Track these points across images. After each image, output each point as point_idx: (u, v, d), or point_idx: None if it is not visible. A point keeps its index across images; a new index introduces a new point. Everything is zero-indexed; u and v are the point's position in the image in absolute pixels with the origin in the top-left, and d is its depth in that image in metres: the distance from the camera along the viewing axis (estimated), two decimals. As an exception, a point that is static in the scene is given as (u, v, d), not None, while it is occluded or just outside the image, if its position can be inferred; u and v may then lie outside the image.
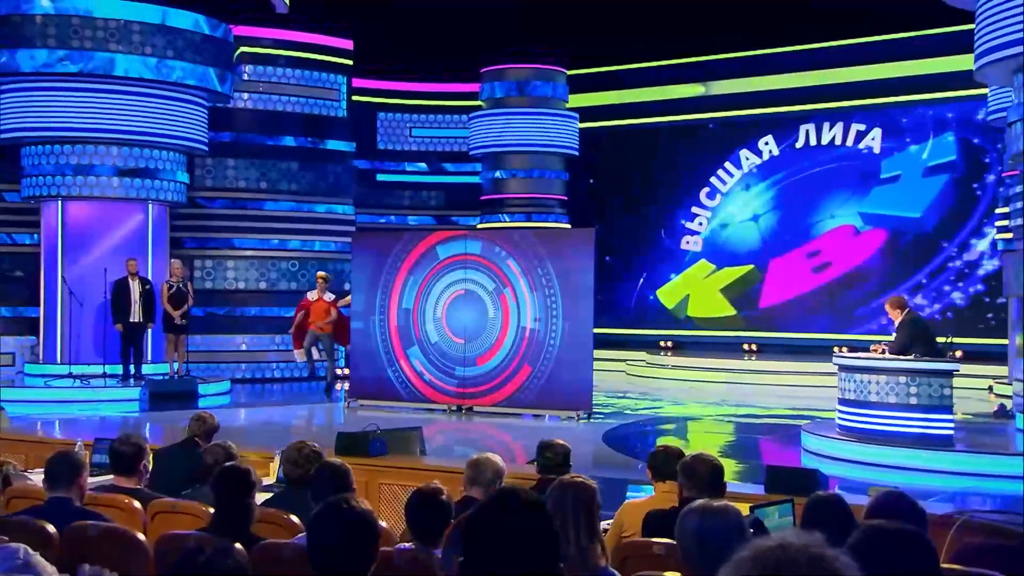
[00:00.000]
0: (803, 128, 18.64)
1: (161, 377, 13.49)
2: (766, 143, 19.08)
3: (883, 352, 8.78)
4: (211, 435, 5.56)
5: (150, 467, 4.64)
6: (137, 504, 4.49)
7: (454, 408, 11.87)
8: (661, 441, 10.54)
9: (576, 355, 11.28)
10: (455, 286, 11.96)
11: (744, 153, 19.32)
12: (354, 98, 17.34)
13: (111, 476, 6.03)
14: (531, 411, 11.52)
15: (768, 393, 15.05)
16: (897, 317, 8.87)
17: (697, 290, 19.76)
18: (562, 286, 11.38)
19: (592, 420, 11.24)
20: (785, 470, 6.32)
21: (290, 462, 4.31)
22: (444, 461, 7.98)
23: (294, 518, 4.18)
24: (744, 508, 4.28)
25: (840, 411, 9.00)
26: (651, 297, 20.03)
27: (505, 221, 19.17)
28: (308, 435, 10.51)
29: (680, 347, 19.07)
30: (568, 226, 19.41)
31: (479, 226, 19.44)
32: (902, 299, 9.02)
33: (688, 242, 19.88)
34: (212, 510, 4.15)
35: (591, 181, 20.72)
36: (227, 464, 3.93)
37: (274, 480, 6.25)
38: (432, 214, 20.14)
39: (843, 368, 8.87)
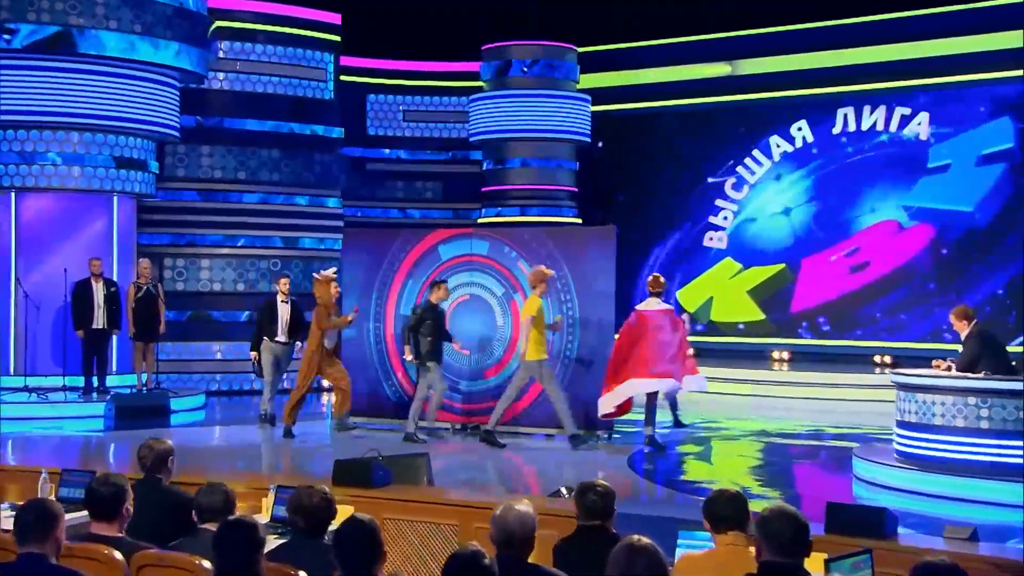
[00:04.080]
0: (841, 112, 18.57)
1: (128, 390, 13.33)
2: (799, 129, 19.01)
3: (948, 369, 8.58)
4: (166, 461, 5.29)
5: (132, 510, 4.43)
6: (119, 555, 4.27)
7: (458, 427, 11.73)
8: (692, 465, 10.53)
9: (595, 367, 11.13)
10: (460, 290, 11.83)
11: (775, 140, 19.26)
12: (341, 78, 17.25)
13: (84, 514, 5.86)
14: (544, 430, 11.36)
15: (801, 408, 14.94)
16: (963, 329, 8.69)
17: (721, 292, 19.67)
18: (579, 291, 11.27)
19: (612, 440, 11.05)
20: (849, 508, 6.12)
21: (300, 511, 4.10)
22: (456, 492, 7.76)
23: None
24: (817, 562, 4.08)
25: (899, 435, 8.82)
26: (670, 299, 19.87)
27: (508, 215, 19.14)
28: (297, 459, 10.41)
29: (702, 355, 18.85)
30: (578, 220, 19.43)
31: (480, 220, 19.44)
32: (968, 309, 8.84)
33: (711, 239, 19.86)
34: (208, 565, 3.95)
35: (603, 171, 20.67)
36: (232, 519, 3.72)
37: (268, 519, 6.02)
38: (427, 207, 20.15)
39: (903, 387, 8.69)
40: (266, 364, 12.07)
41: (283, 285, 12.26)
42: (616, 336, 10.99)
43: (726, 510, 4.26)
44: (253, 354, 12.15)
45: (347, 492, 7.00)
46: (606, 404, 10.58)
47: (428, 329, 10.90)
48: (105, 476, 4.42)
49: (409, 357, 11.15)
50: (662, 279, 10.99)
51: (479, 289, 11.79)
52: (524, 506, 4.00)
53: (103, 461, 10.76)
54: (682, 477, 9.82)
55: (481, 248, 11.78)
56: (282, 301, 12.08)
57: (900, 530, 5.94)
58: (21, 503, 6.26)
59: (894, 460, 8.80)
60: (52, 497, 6.39)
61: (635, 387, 10.43)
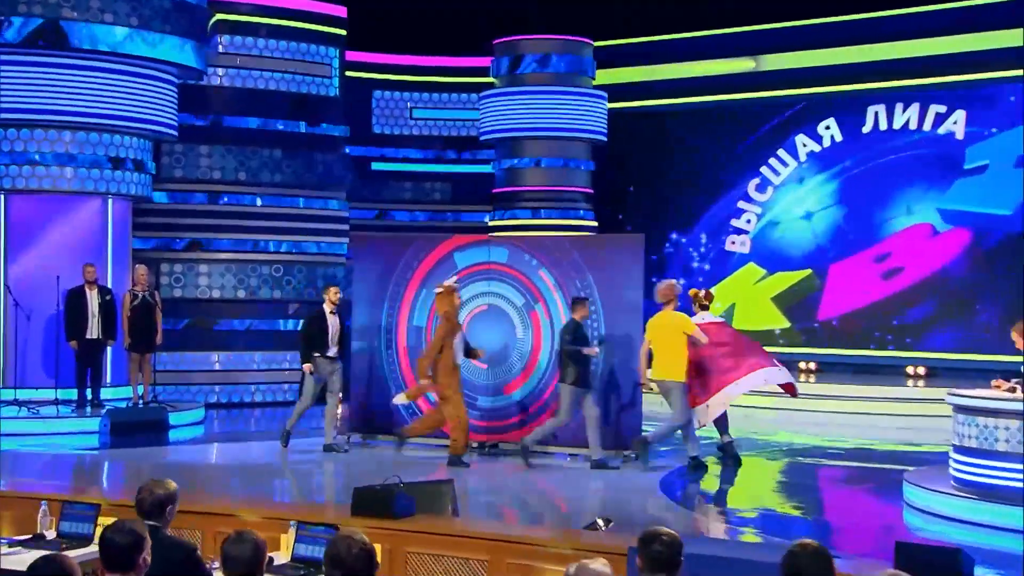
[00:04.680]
0: (871, 109, 18.45)
1: (125, 404, 13.22)
2: (827, 127, 18.90)
3: (1012, 389, 8.29)
4: (164, 508, 4.91)
5: (149, 560, 4.13)
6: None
7: (475, 445, 11.51)
8: (734, 493, 10.25)
9: (623, 383, 10.97)
10: (477, 300, 11.66)
11: (801, 139, 19.13)
12: (347, 74, 17.11)
13: (90, 550, 5.60)
14: (568, 450, 11.16)
15: (830, 423, 14.79)
16: (1025, 346, 8.40)
17: (744, 298, 19.54)
18: (605, 301, 11.07)
19: (642, 460, 10.74)
20: (921, 549, 5.83)
21: (338, 565, 3.81)
22: (485, 524, 7.49)
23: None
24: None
25: (956, 460, 8.55)
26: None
27: (521, 218, 19.08)
28: (310, 483, 10.16)
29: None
30: (594, 223, 19.43)
31: (491, 223, 19.41)
32: (1031, 324, 8.54)
33: (734, 242, 19.76)
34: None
35: (621, 171, 20.54)
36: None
37: (289, 558, 5.75)
38: (436, 209, 20.13)
39: (962, 409, 8.41)
40: (310, 380, 11.39)
41: (332, 295, 11.55)
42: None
43: (810, 569, 3.97)
44: (307, 366, 11.41)
45: (367, 523, 6.74)
46: (711, 413, 10.62)
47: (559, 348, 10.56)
48: (121, 523, 4.14)
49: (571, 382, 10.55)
50: (712, 292, 11.19)
51: (497, 299, 11.61)
52: (601, 566, 3.72)
53: (97, 481, 10.61)
54: (726, 506, 9.53)
55: (500, 256, 11.61)
56: (331, 312, 11.52)
57: (977, 571, 5.66)
58: (21, 539, 6.06)
59: (951, 487, 8.52)
60: (52, 531, 6.17)
61: (735, 390, 10.57)
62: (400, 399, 11.41)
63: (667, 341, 10.42)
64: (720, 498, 9.92)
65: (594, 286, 11.11)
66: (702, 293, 11.02)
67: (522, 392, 11.40)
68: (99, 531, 5.80)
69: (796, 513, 9.10)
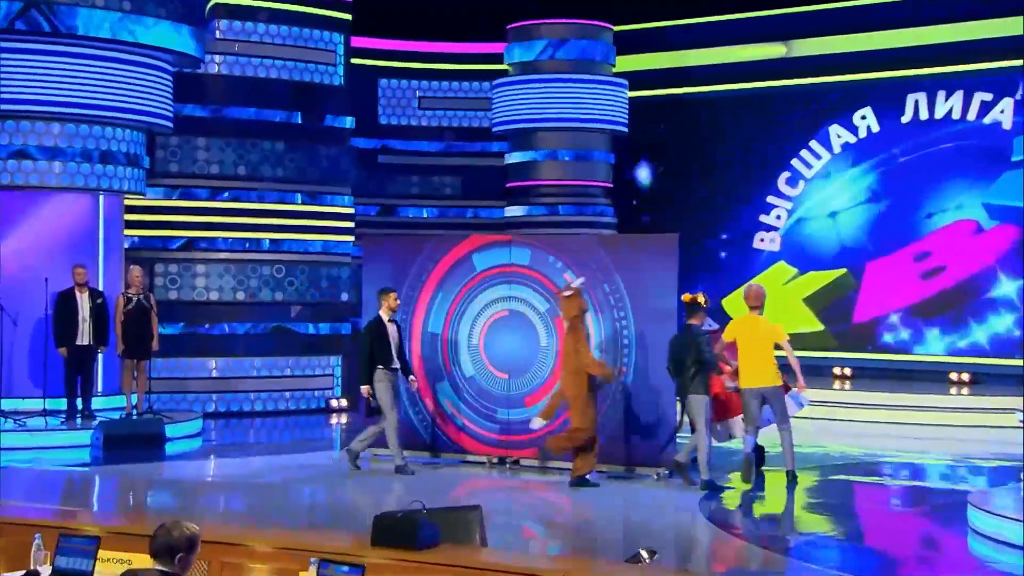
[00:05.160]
0: (911, 98, 18.35)
1: (118, 415, 13.14)
2: (863, 117, 18.80)
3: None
4: (174, 555, 4.56)
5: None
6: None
7: (495, 461, 11.47)
8: (771, 510, 10.02)
9: (655, 395, 10.77)
10: (497, 305, 11.55)
11: (835, 129, 19.02)
12: (352, 61, 17.12)
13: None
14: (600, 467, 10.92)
15: (867, 433, 14.65)
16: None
17: (774, 300, 18.96)
18: (635, 307, 10.91)
19: (675, 479, 10.60)
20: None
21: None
22: (516, 556, 7.26)
23: None
24: None
25: (1028, 483, 8.27)
26: (715, 307, 19.56)
27: (537, 214, 19.19)
28: (322, 504, 9.92)
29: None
30: (614, 220, 19.58)
31: (505, 219, 19.50)
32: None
33: (763, 240, 19.68)
34: None
35: (642, 164, 20.49)
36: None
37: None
38: (446, 204, 20.10)
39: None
40: (386, 397, 10.91)
41: (392, 300, 11.01)
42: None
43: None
44: (365, 388, 10.96)
45: (388, 555, 6.51)
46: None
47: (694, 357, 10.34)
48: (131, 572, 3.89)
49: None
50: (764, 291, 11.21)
51: (520, 304, 11.46)
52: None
53: (91, 502, 10.47)
54: (776, 532, 9.31)
55: (522, 257, 11.45)
56: (389, 320, 11.10)
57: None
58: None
59: (1024, 514, 8.23)
60: (47, 567, 5.92)
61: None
62: (538, 423, 10.76)
63: (757, 347, 10.56)
64: (767, 523, 9.69)
65: (623, 290, 10.94)
66: (750, 293, 11.05)
67: (544, 405, 11.07)
68: (98, 566, 5.60)
69: (852, 541, 8.91)
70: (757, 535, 8.96)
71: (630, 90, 19.25)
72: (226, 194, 15.69)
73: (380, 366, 10.86)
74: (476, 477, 10.97)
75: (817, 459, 12.47)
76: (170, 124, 14.06)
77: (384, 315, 10.99)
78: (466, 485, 10.72)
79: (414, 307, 11.83)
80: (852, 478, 11.67)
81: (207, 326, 15.53)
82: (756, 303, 10.86)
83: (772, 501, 10.49)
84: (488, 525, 8.20)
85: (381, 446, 11.37)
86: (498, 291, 11.51)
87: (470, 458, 11.48)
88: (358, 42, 17.97)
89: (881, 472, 12.18)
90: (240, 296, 15.67)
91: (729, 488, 10.29)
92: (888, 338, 18.42)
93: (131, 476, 11.13)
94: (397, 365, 10.98)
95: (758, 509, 10.16)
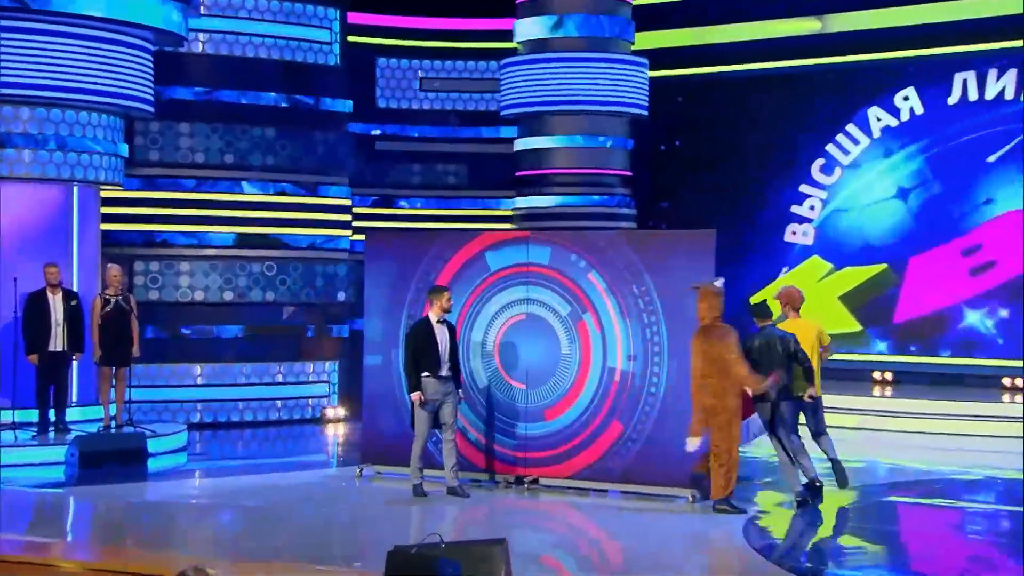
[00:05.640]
0: (958, 77, 18.27)
1: (96, 428, 13.10)
2: (906, 98, 18.72)
3: None
4: None
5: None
6: None
7: (512, 480, 11.23)
8: (822, 537, 9.74)
9: (689, 408, 10.35)
10: (513, 309, 11.34)
11: (874, 112, 18.96)
12: (348, 39, 17.25)
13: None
14: (621, 487, 10.79)
15: (911, 444, 14.53)
16: None
17: (808, 298, 18.88)
18: (667, 311, 10.62)
19: (709, 502, 10.32)
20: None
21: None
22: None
23: None
24: None
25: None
26: (742, 305, 19.43)
27: (548, 205, 19.26)
28: (326, 536, 9.54)
29: (785, 375, 18.58)
30: (633, 212, 19.67)
31: (514, 210, 19.69)
32: None
33: (795, 232, 19.61)
34: None
35: (664, 151, 20.50)
36: None
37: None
38: (449, 195, 20.17)
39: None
40: (423, 415, 10.54)
41: (445, 301, 10.60)
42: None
43: None
44: (415, 395, 10.52)
45: (402, 596, 6.18)
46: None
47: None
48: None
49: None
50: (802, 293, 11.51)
51: (539, 307, 11.22)
52: None
53: (64, 530, 10.17)
54: (827, 565, 8.97)
55: (541, 256, 11.23)
56: (438, 322, 10.65)
57: None
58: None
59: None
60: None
61: None
62: (693, 444, 10.09)
63: (809, 352, 10.79)
64: (817, 554, 9.33)
65: (653, 291, 10.69)
66: (783, 294, 11.36)
67: (566, 419, 11.02)
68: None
69: (914, 567, 8.65)
70: (804, 568, 8.59)
71: (651, 70, 19.21)
72: (212, 185, 15.72)
73: (427, 373, 10.48)
74: (489, 498, 10.74)
75: (865, 473, 12.24)
76: (151, 108, 14.12)
77: (433, 317, 10.60)
78: (482, 508, 10.44)
79: (422, 309, 11.51)
80: (905, 499, 11.39)
81: (192, 329, 15.56)
82: (795, 304, 11.25)
83: (827, 527, 10.20)
84: (520, 561, 7.83)
85: (393, 464, 11.25)
86: (515, 293, 11.29)
87: (482, 476, 11.20)
88: (355, 18, 18.07)
89: (933, 489, 11.90)
90: (228, 296, 15.72)
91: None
92: (933, 340, 18.34)
93: (109, 499, 10.90)
94: (445, 372, 10.57)
95: (807, 536, 9.80)
